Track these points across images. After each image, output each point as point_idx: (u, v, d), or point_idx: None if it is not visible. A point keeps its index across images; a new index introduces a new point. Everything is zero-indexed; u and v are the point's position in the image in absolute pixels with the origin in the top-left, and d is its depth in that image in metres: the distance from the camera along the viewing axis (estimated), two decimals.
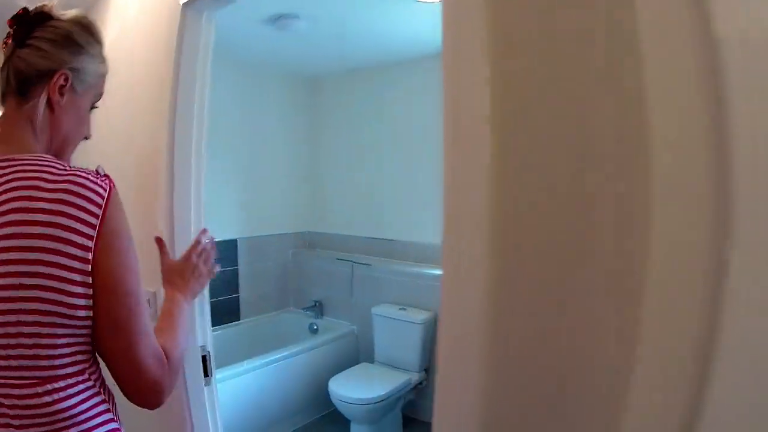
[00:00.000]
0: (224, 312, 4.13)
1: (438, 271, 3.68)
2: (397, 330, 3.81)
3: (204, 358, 1.85)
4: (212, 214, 3.75)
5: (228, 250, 4.12)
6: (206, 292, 1.84)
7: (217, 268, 1.53)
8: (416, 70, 4.08)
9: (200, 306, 1.84)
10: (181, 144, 1.81)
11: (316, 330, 4.35)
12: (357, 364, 3.94)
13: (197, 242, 1.49)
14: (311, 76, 4.70)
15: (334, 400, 3.40)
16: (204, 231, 1.56)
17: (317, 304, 4.50)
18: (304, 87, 4.73)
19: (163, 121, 1.82)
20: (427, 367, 3.86)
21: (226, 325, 4.13)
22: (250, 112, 4.27)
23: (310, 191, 4.79)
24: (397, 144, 4.26)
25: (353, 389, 3.40)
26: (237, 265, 4.22)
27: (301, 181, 4.75)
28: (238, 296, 4.26)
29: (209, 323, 1.87)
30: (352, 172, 4.56)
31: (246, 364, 3.36)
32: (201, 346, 1.84)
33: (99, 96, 1.19)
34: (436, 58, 1.07)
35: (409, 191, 4.20)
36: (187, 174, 1.82)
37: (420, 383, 3.76)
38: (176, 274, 1.41)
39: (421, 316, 3.75)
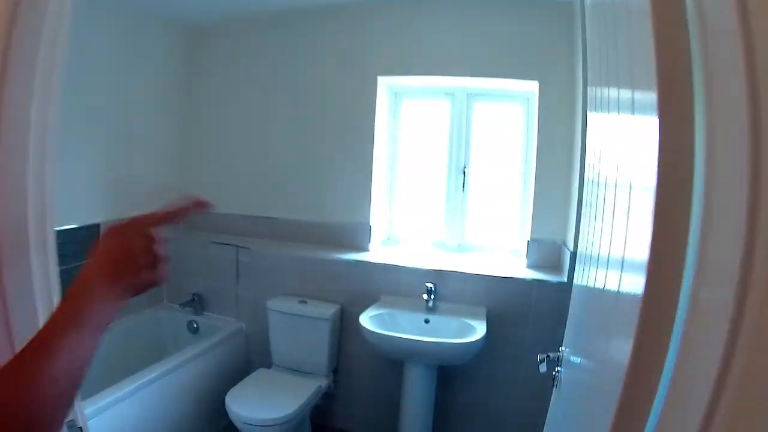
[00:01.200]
0: None
1: (345, 256, 3.02)
2: (298, 327, 3.14)
3: None
4: (66, 193, 2.84)
5: (90, 238, 3.12)
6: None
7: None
8: (319, 22, 3.40)
9: None
10: (13, 97, 0.98)
11: (197, 329, 3.53)
12: (250, 370, 3.21)
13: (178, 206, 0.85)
14: (192, 26, 3.74)
15: (236, 423, 2.67)
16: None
17: (196, 297, 3.64)
18: (184, 39, 3.76)
19: None
20: (336, 369, 3.22)
21: None
22: (115, 67, 3.24)
23: (187, 163, 3.87)
24: (293, 109, 3.54)
25: (257, 407, 2.70)
26: None
27: (176, 151, 3.82)
28: None
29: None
30: (237, 141, 3.73)
31: (118, 391, 2.49)
32: (68, 423, 1.05)
33: None
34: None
35: (304, 163, 3.52)
36: (22, 142, 0.99)
37: (329, 387, 3.11)
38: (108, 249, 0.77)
39: (327, 309, 3.12)
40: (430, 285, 2.94)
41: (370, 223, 3.37)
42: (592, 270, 1.21)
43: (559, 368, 1.63)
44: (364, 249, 3.37)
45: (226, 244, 3.50)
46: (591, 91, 1.52)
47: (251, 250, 3.42)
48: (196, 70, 3.78)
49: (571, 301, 1.64)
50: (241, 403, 2.69)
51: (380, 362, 3.14)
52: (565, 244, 3.01)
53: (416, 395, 2.79)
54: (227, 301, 3.59)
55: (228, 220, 3.70)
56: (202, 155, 3.82)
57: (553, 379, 1.66)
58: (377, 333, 2.62)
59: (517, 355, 2.94)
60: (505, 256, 3.36)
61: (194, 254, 3.63)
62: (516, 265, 3.15)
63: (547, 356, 1.70)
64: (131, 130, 3.40)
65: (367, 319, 2.76)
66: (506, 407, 3.03)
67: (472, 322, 2.76)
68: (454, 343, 2.55)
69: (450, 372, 3.02)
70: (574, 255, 2.75)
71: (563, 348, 1.65)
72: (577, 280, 1.57)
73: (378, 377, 3.19)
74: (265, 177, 3.63)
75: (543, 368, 1.71)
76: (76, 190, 3.01)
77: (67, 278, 1.08)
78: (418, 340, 2.54)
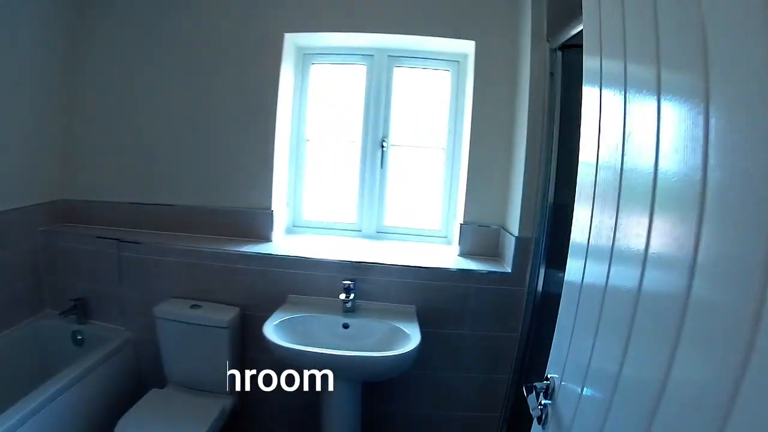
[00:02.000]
0: None
1: (243, 248, 2.42)
2: (192, 337, 2.52)
3: None
4: None
5: None
6: None
7: None
8: None
9: None
10: None
11: (81, 341, 2.81)
12: (143, 388, 2.58)
13: None
14: None
15: None
16: None
17: (78, 303, 2.88)
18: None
19: None
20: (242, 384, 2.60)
21: None
22: None
23: (64, 145, 3.01)
24: (185, 75, 2.82)
25: None
26: None
27: (50, 132, 2.94)
28: None
29: None
30: (121, 116, 2.92)
31: None
32: None
33: None
34: None
35: (197, 139, 2.85)
36: None
37: (235, 406, 2.54)
38: None
39: (225, 314, 2.52)
40: (347, 282, 2.39)
41: (273, 208, 2.78)
42: (655, 273, 0.79)
43: (546, 401, 1.21)
44: (267, 239, 2.78)
45: (109, 238, 2.80)
46: (594, 62, 1.10)
47: (135, 243, 2.74)
48: (72, 34, 2.93)
49: (567, 309, 1.23)
50: None
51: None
52: (505, 228, 2.54)
53: (339, 411, 2.25)
54: (112, 306, 2.88)
55: (113, 210, 2.98)
56: (81, 135, 3.00)
57: (542, 415, 1.22)
58: (285, 347, 2.04)
59: (456, 358, 2.49)
60: (432, 243, 2.86)
61: (74, 252, 2.88)
62: (447, 254, 2.66)
63: (534, 386, 1.25)
64: None
65: (271, 328, 2.18)
66: (445, 416, 2.58)
67: (402, 325, 2.25)
68: (383, 357, 2.01)
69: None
70: (520, 241, 2.33)
71: (553, 375, 1.22)
72: (578, 278, 1.14)
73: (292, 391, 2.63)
74: (153, 157, 2.90)
75: (533, 404, 1.25)
76: None
77: None
78: (337, 355, 1.98)
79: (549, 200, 2.24)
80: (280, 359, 2.13)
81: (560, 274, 2.33)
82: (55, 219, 3.00)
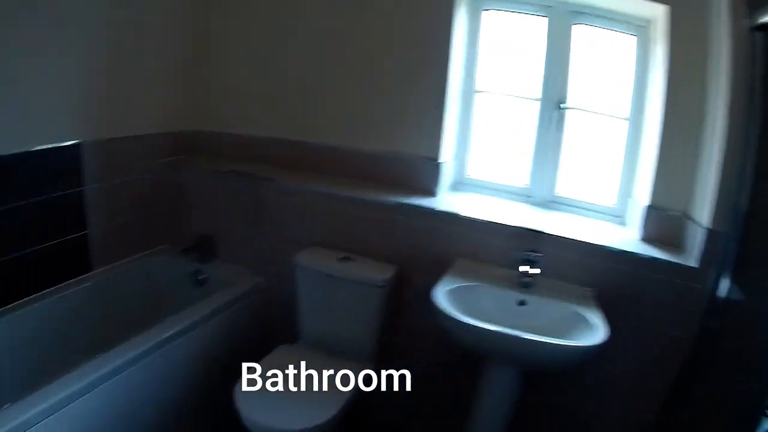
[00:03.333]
0: (65, 261, 2.28)
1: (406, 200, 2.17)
2: (338, 293, 2.29)
3: None
4: (33, 104, 2.00)
5: (67, 160, 2.19)
6: None
7: None
8: None
9: None
10: None
11: (205, 280, 2.62)
12: (269, 342, 2.36)
13: None
14: None
15: (251, 428, 1.81)
16: None
17: (204, 240, 2.70)
18: None
19: None
20: (380, 354, 2.34)
21: (68, 281, 2.28)
22: None
23: (195, 71, 2.81)
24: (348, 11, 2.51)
25: (279, 409, 1.87)
26: (82, 185, 2.28)
27: (179, 56, 2.74)
28: (86, 233, 2.35)
29: None
30: (261, 41, 2.66)
31: (91, 374, 1.67)
32: None
33: None
34: None
35: (351, 71, 2.56)
36: None
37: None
38: None
39: (381, 272, 2.24)
40: (530, 252, 2.06)
41: (441, 160, 2.46)
42: None
43: None
44: (430, 193, 2.46)
45: (246, 173, 2.56)
46: None
47: (276, 181, 2.51)
48: None
49: None
50: (254, 402, 1.86)
51: (442, 348, 2.27)
52: (689, 216, 2.13)
53: (493, 396, 1.97)
54: (242, 248, 2.67)
55: (246, 144, 2.75)
56: (213, 60, 2.78)
57: None
58: (464, 323, 1.73)
59: (620, 352, 2.10)
60: (605, 221, 2.48)
61: (201, 185, 2.68)
62: (624, 236, 2.28)
63: None
64: (120, 34, 2.36)
65: (442, 296, 1.89)
66: (597, 415, 2.24)
67: (583, 311, 1.91)
68: (574, 347, 1.68)
69: None
70: (711, 234, 1.90)
71: None
72: None
73: (439, 367, 2.35)
74: (300, 91, 2.65)
75: None
76: (44, 100, 2.06)
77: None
78: (523, 339, 1.66)
79: (744, 199, 1.83)
80: (447, 332, 1.86)
81: (742, 282, 1.95)
82: (181, 150, 2.78)
